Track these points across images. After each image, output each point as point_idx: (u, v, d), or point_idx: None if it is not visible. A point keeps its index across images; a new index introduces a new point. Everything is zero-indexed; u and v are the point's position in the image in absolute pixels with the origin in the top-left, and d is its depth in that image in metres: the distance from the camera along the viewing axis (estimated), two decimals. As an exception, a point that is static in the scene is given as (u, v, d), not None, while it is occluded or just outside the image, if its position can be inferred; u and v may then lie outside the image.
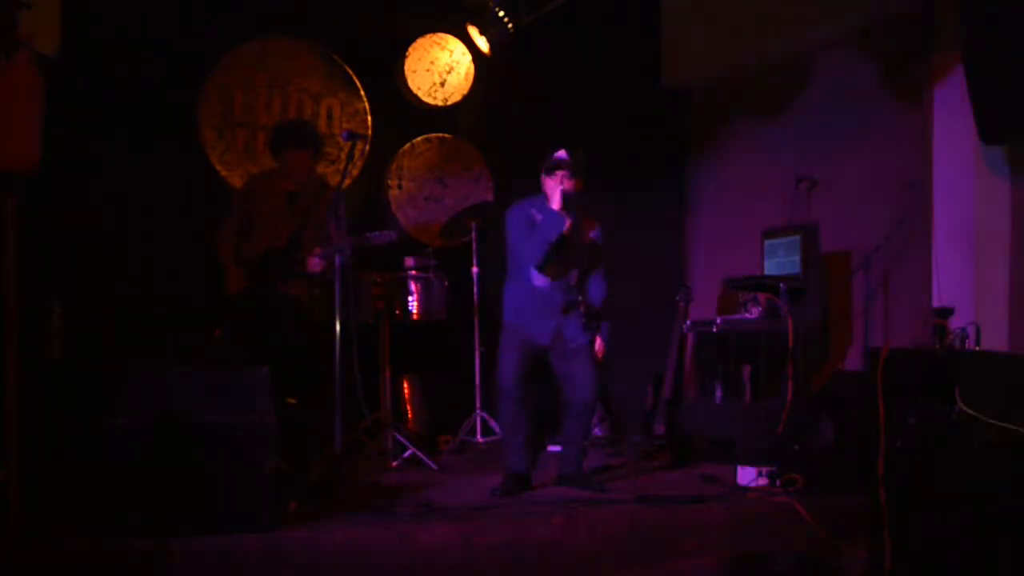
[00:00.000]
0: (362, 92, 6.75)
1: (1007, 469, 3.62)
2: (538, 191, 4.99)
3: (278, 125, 5.82)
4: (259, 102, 6.51)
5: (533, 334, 4.96)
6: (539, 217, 4.88)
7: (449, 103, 6.98)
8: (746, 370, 6.03)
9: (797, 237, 6.04)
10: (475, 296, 6.33)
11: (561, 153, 4.91)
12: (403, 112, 6.93)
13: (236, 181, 6.30)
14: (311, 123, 6.18)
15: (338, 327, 5.11)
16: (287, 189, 5.52)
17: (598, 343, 5.08)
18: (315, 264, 5.36)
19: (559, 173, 4.87)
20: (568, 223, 4.81)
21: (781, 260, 6.18)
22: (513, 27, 6.70)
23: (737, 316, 6.09)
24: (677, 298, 6.59)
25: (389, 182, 6.87)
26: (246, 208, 5.49)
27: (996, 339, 5.13)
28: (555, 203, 4.83)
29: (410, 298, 5.91)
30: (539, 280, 4.95)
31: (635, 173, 7.00)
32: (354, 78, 6.74)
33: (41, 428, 4.09)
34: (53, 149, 3.90)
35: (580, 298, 4.92)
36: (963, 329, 3.95)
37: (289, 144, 5.48)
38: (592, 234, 5.10)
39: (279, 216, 5.49)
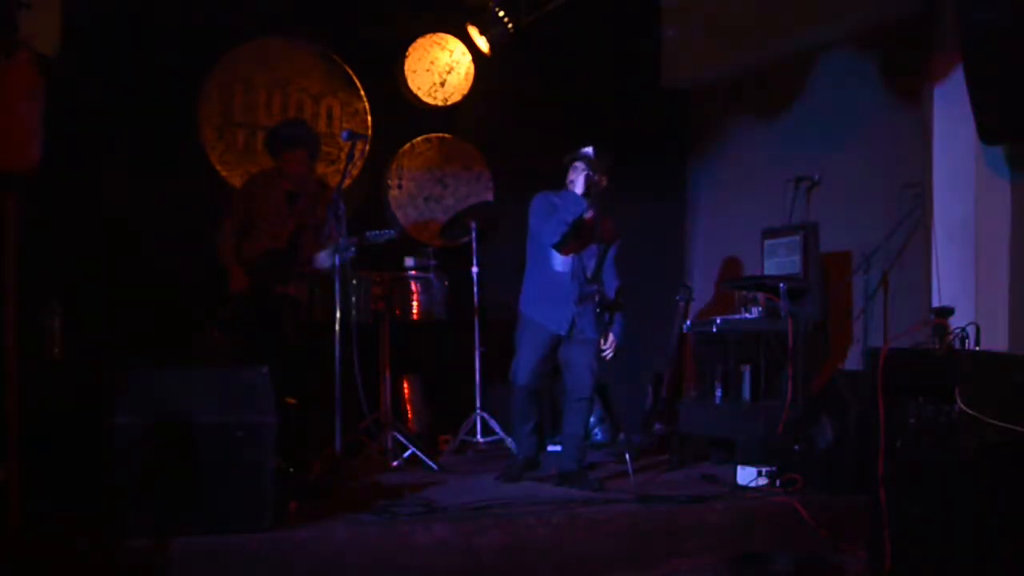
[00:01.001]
0: (362, 92, 6.75)
1: (1007, 469, 3.61)
2: (559, 186, 5.12)
3: (274, 127, 5.81)
4: (259, 102, 6.50)
5: (551, 324, 5.06)
6: (559, 202, 5.03)
7: (449, 103, 6.97)
8: (746, 370, 6.03)
9: (797, 237, 6.04)
10: (475, 296, 6.32)
11: (586, 149, 5.06)
12: (403, 112, 6.93)
13: (236, 181, 6.30)
14: (307, 123, 6.16)
15: (338, 327, 5.11)
16: (287, 189, 5.51)
17: (611, 339, 5.11)
18: (322, 259, 5.32)
19: (577, 164, 5.03)
20: (589, 207, 4.96)
21: (781, 260, 6.18)
22: (513, 27, 6.70)
23: (737, 316, 6.09)
24: (677, 298, 6.59)
25: (389, 182, 6.87)
26: (246, 208, 5.49)
27: (996, 339, 5.13)
28: (579, 186, 4.99)
29: (410, 298, 5.92)
30: (560, 265, 5.05)
31: (635, 173, 6.97)
32: (354, 78, 6.73)
33: (41, 428, 4.09)
34: (53, 149, 3.90)
35: (596, 288, 4.95)
36: (963, 329, 3.94)
37: (286, 144, 5.47)
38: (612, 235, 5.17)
39: (279, 216, 5.48)
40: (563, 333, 5.05)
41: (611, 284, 5.17)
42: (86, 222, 5.74)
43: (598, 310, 4.94)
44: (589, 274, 5.02)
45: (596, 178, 4.95)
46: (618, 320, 5.13)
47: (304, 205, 5.51)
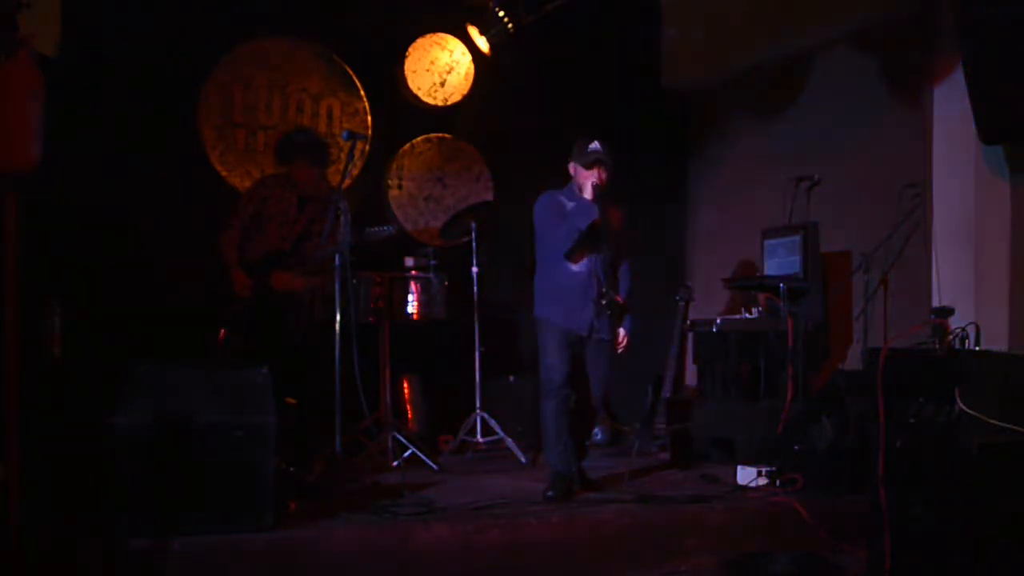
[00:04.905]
0: (362, 92, 6.75)
1: (1007, 469, 3.61)
2: (558, 186, 4.99)
3: (288, 136, 5.78)
4: (259, 102, 6.51)
5: (572, 324, 4.88)
6: (570, 206, 4.85)
7: (449, 103, 6.98)
8: (746, 370, 6.03)
9: (797, 237, 6.04)
10: (475, 296, 6.32)
11: (596, 146, 4.85)
12: (403, 112, 6.94)
13: (236, 181, 6.31)
14: (321, 138, 6.07)
15: (338, 327, 5.10)
16: (299, 193, 5.52)
17: (622, 334, 5.05)
18: (321, 255, 5.31)
19: (595, 169, 4.83)
20: (597, 212, 4.79)
21: (781, 260, 6.18)
22: (513, 27, 6.70)
23: (737, 316, 6.09)
24: (677, 298, 6.60)
25: (389, 182, 6.87)
26: (256, 208, 5.48)
27: (996, 339, 5.13)
28: (588, 192, 4.79)
29: (410, 298, 5.92)
30: (575, 265, 4.88)
31: (635, 173, 6.96)
32: (354, 78, 6.74)
33: (41, 428, 4.09)
34: (53, 149, 3.90)
35: (605, 290, 4.84)
36: (963, 329, 3.94)
37: (297, 157, 5.48)
38: (620, 224, 5.08)
39: (288, 218, 5.49)
40: (584, 333, 4.89)
41: (623, 282, 5.10)
42: (86, 222, 5.73)
43: (609, 312, 4.89)
44: (603, 270, 4.89)
45: (602, 185, 4.84)
46: (627, 317, 5.10)
47: (313, 210, 5.52)
